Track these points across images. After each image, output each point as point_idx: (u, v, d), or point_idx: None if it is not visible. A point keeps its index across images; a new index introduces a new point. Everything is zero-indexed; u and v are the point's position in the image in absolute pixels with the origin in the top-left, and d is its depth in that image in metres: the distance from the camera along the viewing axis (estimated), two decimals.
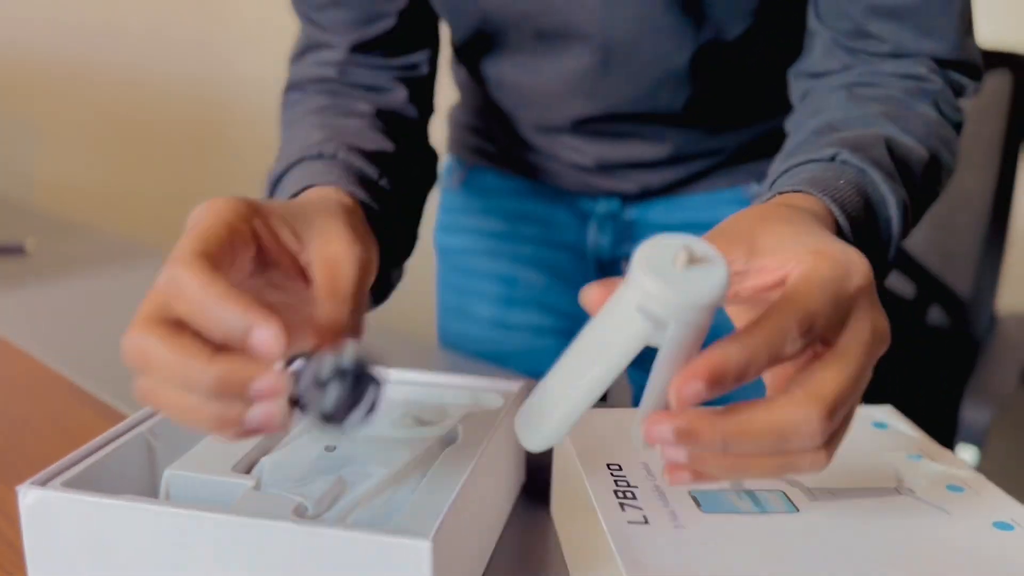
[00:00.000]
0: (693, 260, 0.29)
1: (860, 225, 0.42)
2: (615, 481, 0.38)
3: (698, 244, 0.29)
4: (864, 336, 0.32)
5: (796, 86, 0.57)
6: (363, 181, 0.49)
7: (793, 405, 0.30)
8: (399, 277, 0.54)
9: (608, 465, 0.40)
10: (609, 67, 0.60)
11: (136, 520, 0.34)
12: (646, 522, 0.35)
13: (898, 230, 0.44)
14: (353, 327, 0.35)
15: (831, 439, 0.31)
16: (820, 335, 0.31)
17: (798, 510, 0.37)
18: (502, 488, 0.45)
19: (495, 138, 0.76)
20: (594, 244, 0.75)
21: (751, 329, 0.30)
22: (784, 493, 0.38)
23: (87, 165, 1.86)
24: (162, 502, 0.35)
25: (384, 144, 0.55)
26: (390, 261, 0.51)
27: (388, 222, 0.49)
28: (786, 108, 0.58)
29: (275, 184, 0.51)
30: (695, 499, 0.37)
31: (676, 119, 0.64)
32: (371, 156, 0.52)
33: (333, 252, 0.36)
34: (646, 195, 0.72)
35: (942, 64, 0.53)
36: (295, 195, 0.46)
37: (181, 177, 1.92)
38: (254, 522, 0.32)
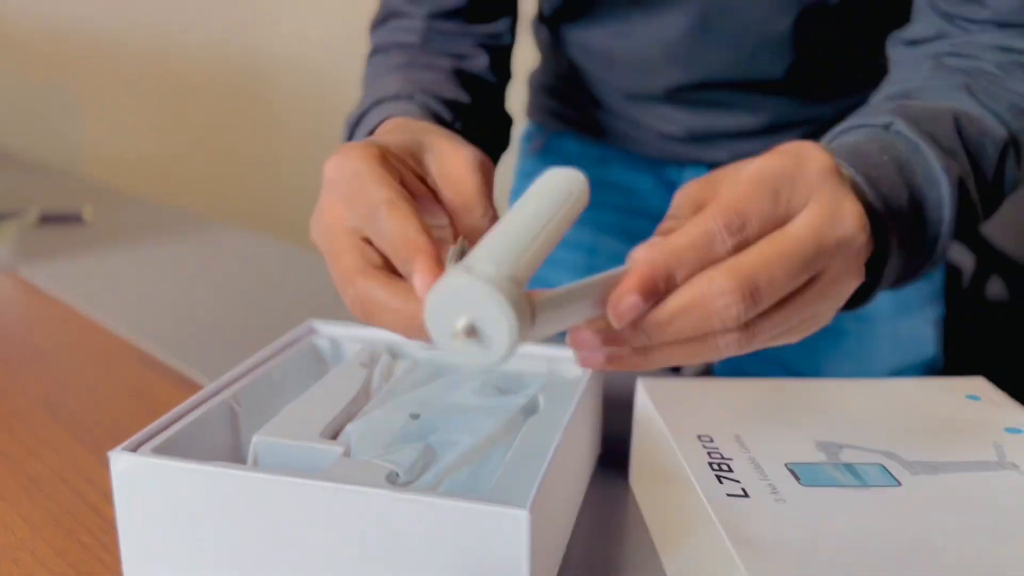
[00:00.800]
0: (472, 333, 0.26)
1: (900, 206, 0.39)
2: (708, 453, 0.37)
3: (484, 313, 0.26)
4: (809, 219, 0.30)
5: (891, 54, 0.54)
6: (439, 121, 0.49)
7: (706, 280, 0.29)
8: None
9: (699, 437, 0.39)
10: (707, 32, 0.58)
11: (229, 486, 0.33)
12: (746, 495, 0.34)
13: (951, 211, 0.41)
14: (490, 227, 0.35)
15: (756, 323, 0.30)
16: (761, 231, 0.30)
17: (900, 484, 0.36)
18: (584, 458, 0.44)
19: (578, 104, 0.74)
20: None
21: (677, 233, 0.30)
22: (883, 466, 0.37)
23: (134, 135, 1.88)
24: (256, 468, 0.34)
25: (461, 95, 0.55)
26: None
27: None
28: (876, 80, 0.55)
29: (354, 126, 0.52)
30: (793, 472, 0.36)
31: (775, 87, 0.62)
32: (447, 103, 0.52)
33: (451, 168, 0.37)
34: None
35: None
36: (373, 130, 0.47)
37: (226, 146, 1.93)
38: (351, 489, 0.32)
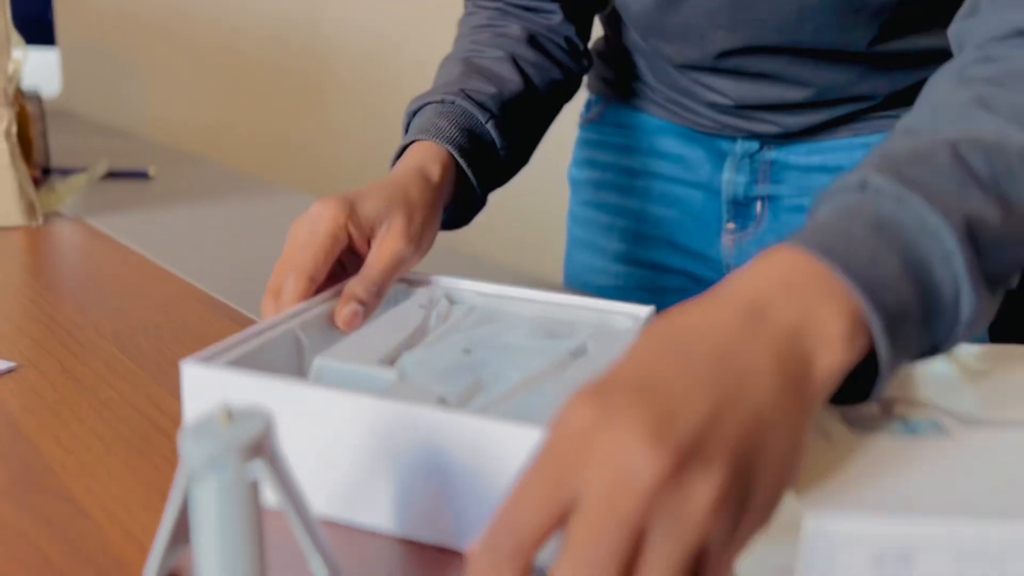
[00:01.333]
0: (232, 417, 0.28)
1: (891, 276, 0.32)
2: None
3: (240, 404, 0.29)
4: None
5: (952, 41, 0.49)
6: (469, 127, 0.59)
7: None
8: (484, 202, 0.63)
9: None
10: None
11: (294, 400, 0.35)
12: None
13: (967, 261, 0.33)
14: (368, 301, 0.47)
15: None
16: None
17: (952, 436, 0.36)
18: None
19: (635, 76, 0.75)
20: (729, 183, 0.73)
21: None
22: (937, 421, 0.37)
23: (193, 102, 1.93)
24: (318, 385, 0.36)
25: (509, 80, 0.63)
26: (485, 185, 0.61)
27: (484, 159, 0.60)
28: (947, 54, 0.52)
29: (410, 119, 0.62)
30: (843, 420, 0.36)
31: (822, 55, 0.62)
32: (483, 102, 0.61)
33: (382, 248, 0.50)
34: (786, 136, 0.70)
35: None
36: (400, 153, 0.59)
37: (281, 112, 1.97)
38: (402, 407, 0.33)
